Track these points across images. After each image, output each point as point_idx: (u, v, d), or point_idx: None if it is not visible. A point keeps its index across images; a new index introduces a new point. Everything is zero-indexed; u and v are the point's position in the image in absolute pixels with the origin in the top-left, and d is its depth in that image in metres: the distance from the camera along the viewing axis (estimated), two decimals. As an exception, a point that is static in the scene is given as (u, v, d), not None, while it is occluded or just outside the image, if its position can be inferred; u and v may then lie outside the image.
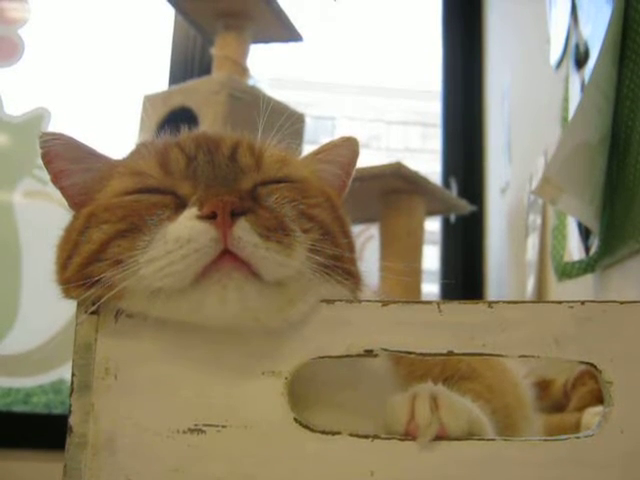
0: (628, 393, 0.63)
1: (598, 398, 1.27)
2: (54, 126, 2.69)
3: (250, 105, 2.06)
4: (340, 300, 0.66)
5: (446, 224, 2.91)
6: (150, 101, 2.27)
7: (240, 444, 0.64)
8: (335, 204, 0.72)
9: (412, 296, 1.93)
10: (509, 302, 0.66)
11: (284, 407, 0.64)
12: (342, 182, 0.78)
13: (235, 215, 0.60)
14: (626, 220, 1.18)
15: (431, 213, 2.35)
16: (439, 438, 0.63)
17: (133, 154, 0.74)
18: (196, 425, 0.65)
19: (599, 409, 1.21)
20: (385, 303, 0.66)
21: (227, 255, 0.60)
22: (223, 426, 0.64)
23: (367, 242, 2.78)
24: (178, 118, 2.05)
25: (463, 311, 0.66)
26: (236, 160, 0.69)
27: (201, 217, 0.60)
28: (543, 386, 1.31)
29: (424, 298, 2.27)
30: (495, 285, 2.70)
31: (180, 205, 0.64)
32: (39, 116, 2.69)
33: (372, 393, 0.70)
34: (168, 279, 0.60)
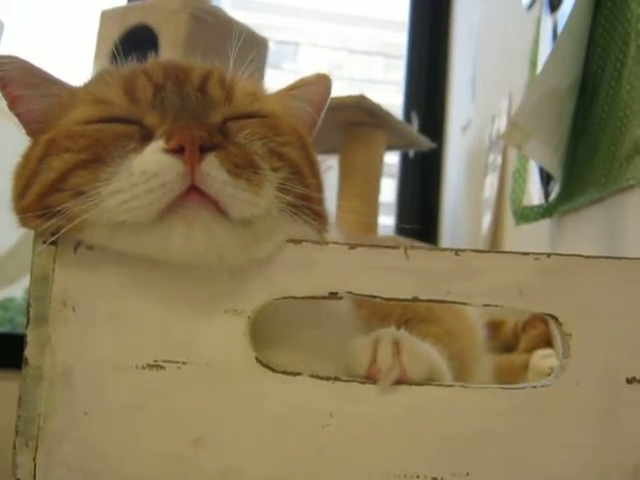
0: (586, 346, 0.64)
1: (547, 341, 1.30)
2: (8, 40, 2.56)
3: (213, 27, 1.99)
4: (307, 241, 0.65)
5: (405, 158, 2.91)
6: (108, 17, 2.18)
7: (200, 382, 0.64)
8: (306, 143, 0.70)
9: (368, 230, 1.94)
10: (476, 251, 0.66)
11: (246, 346, 0.64)
12: (313, 120, 0.76)
13: (204, 150, 0.58)
14: (588, 168, 1.18)
15: (391, 147, 2.35)
16: (399, 383, 0.64)
17: (96, 81, 0.70)
18: (155, 361, 0.64)
19: (547, 351, 1.25)
20: (352, 246, 0.65)
21: (194, 191, 0.58)
22: (183, 363, 0.64)
23: (325, 172, 2.76)
24: (137, 36, 1.97)
25: (430, 258, 0.65)
26: (206, 92, 0.66)
27: (168, 150, 0.58)
28: (494, 327, 1.34)
29: (380, 231, 2.28)
30: (451, 221, 2.72)
31: (146, 136, 0.61)
32: (-8, 27, 2.56)
33: (334, 334, 0.70)
34: (132, 213, 0.58)
